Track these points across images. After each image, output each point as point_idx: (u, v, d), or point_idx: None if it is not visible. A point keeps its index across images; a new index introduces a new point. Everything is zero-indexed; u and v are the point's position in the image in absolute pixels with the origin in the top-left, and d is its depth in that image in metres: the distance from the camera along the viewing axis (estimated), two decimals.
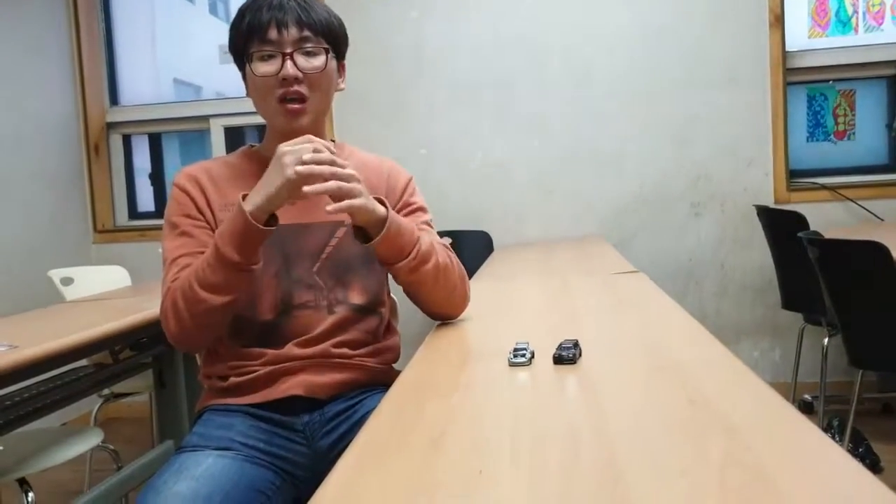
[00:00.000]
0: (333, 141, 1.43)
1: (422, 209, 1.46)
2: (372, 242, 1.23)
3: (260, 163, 1.34)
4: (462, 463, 0.72)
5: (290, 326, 1.31)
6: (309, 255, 1.34)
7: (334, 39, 1.34)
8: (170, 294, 1.25)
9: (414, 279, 1.30)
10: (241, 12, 1.32)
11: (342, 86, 1.40)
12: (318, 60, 1.30)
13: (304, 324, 1.32)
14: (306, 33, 1.28)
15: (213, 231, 1.30)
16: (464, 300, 1.42)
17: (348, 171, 1.17)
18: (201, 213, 1.32)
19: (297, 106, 1.29)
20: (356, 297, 1.36)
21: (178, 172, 1.37)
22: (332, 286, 1.34)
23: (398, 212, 1.39)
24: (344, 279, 1.36)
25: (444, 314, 1.42)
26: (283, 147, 1.17)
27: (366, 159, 1.46)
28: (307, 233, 1.34)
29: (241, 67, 1.35)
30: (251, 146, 1.44)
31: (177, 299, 1.23)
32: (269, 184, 1.17)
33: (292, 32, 1.28)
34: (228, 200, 1.33)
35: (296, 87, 1.28)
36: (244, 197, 1.19)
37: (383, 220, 1.21)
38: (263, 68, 1.28)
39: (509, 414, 0.88)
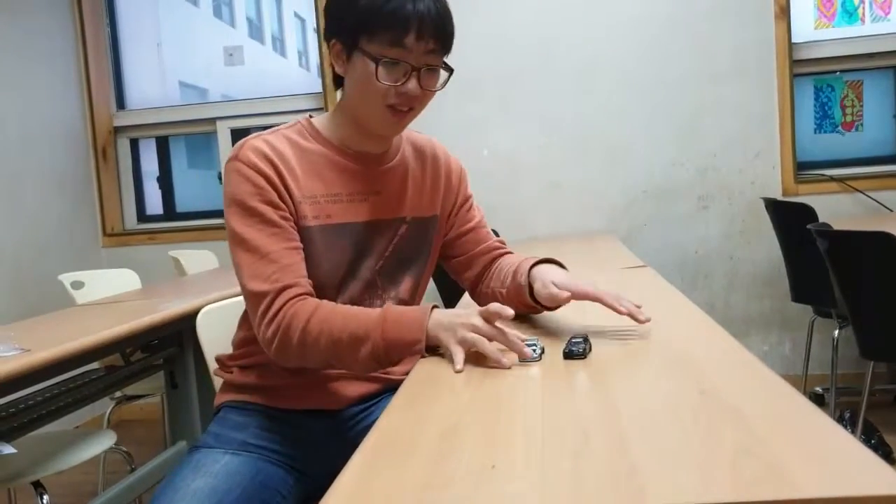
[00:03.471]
0: None
1: (473, 202, 1.49)
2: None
3: (329, 146, 1.29)
4: (475, 458, 0.72)
5: None
6: (375, 253, 1.32)
7: (450, 51, 1.24)
8: (294, 318, 1.16)
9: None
10: None
11: None
12: (437, 78, 1.23)
13: None
14: (437, 46, 1.19)
15: (295, 223, 1.23)
16: None
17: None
18: (283, 201, 1.22)
19: (403, 116, 1.23)
20: (403, 294, 1.36)
21: (242, 146, 1.23)
22: (386, 287, 1.34)
23: (454, 210, 1.44)
24: (398, 278, 1.35)
25: None
26: (470, 333, 1.08)
27: (419, 147, 1.41)
28: (376, 229, 1.31)
29: (345, 40, 1.21)
30: (310, 117, 1.33)
31: (292, 332, 1.16)
32: (443, 341, 1.11)
33: (429, 44, 1.17)
34: (305, 192, 1.24)
35: (411, 103, 1.22)
36: (432, 308, 1.15)
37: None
38: (387, 76, 1.17)
39: (521, 409, 0.88)
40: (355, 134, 1.30)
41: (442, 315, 1.14)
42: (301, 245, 1.23)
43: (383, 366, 1.18)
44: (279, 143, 1.25)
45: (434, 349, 1.14)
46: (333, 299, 1.25)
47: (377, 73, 1.17)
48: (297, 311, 1.16)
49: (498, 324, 1.10)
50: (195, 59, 4.62)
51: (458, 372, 1.04)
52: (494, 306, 1.10)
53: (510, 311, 1.09)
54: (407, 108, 1.22)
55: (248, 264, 1.19)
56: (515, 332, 1.10)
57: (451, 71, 1.24)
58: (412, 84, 1.19)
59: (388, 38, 1.15)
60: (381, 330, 1.13)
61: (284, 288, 1.17)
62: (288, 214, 1.22)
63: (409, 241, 1.35)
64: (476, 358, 1.07)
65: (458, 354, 1.07)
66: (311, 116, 1.34)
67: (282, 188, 1.22)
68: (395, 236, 1.34)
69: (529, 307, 1.32)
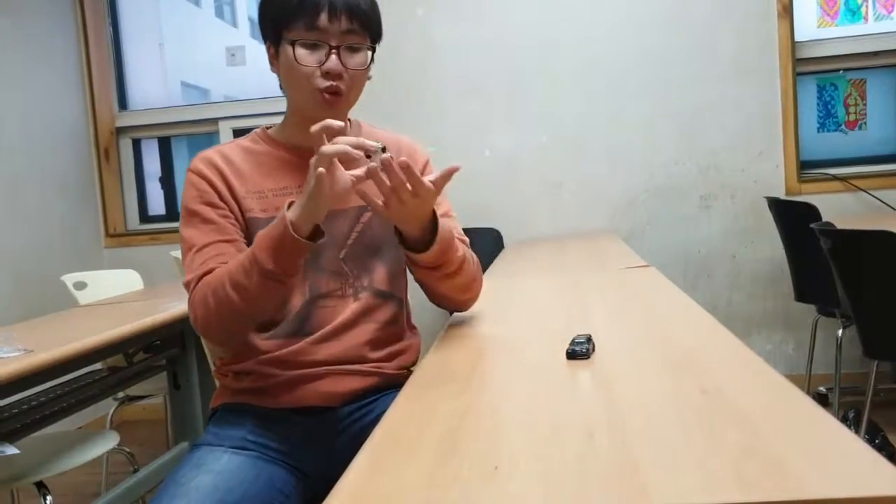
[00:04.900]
0: (349, 120, 1.41)
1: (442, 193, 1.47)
2: (423, 255, 1.23)
3: (278, 146, 1.35)
4: (477, 459, 0.72)
5: (316, 317, 1.31)
6: (335, 243, 1.33)
7: (376, 34, 1.30)
8: (201, 287, 1.21)
9: (440, 280, 1.31)
10: None
11: (370, 74, 1.33)
12: (361, 57, 1.27)
13: (329, 313, 1.31)
14: (354, 25, 1.24)
15: (237, 219, 1.28)
16: (477, 294, 1.43)
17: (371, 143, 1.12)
18: (224, 200, 1.28)
19: (334, 97, 1.26)
20: (379, 283, 1.36)
21: (193, 158, 1.32)
22: (357, 273, 1.34)
23: None
24: (368, 264, 1.36)
25: (454, 307, 1.43)
26: (318, 159, 1.11)
27: (382, 137, 1.43)
28: (333, 220, 1.31)
29: (271, 38, 1.29)
30: (266, 128, 1.40)
31: (207, 294, 1.19)
32: (304, 192, 1.12)
33: (343, 23, 1.23)
34: (250, 188, 1.30)
35: (336, 82, 1.25)
36: (290, 205, 1.15)
37: (432, 225, 1.22)
38: (307, 58, 1.24)
39: (523, 409, 0.88)
40: (305, 132, 1.29)
41: (297, 202, 1.14)
42: (238, 239, 1.27)
43: (282, 280, 1.16)
44: (229, 150, 1.34)
45: (317, 235, 1.15)
46: (302, 290, 1.30)
47: (296, 55, 1.24)
48: (199, 285, 1.21)
49: None
50: (197, 59, 4.62)
51: (333, 127, 1.10)
52: (322, 123, 1.11)
53: (337, 122, 1.12)
54: (336, 90, 1.25)
55: (186, 261, 1.26)
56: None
57: (373, 50, 1.29)
58: (333, 61, 1.24)
59: (303, 24, 1.23)
60: (255, 248, 1.16)
61: (205, 273, 1.22)
62: (228, 212, 1.28)
63: (375, 227, 1.36)
64: (476, 359, 1.07)
65: (320, 165, 1.08)
66: (267, 127, 1.40)
67: (223, 188, 1.29)
68: (356, 224, 1.35)
69: (420, 265, 1.29)
